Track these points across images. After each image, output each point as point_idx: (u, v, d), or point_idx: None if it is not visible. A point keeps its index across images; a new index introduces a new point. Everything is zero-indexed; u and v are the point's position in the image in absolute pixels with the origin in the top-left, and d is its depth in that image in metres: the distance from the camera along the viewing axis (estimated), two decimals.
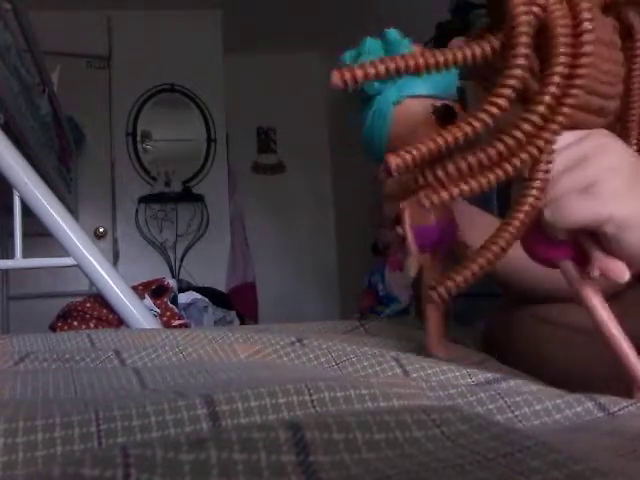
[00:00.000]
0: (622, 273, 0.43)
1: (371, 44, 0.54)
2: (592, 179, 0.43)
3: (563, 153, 0.44)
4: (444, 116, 0.51)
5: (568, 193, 0.43)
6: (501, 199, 1.59)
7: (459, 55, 0.40)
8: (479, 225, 0.64)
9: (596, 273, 0.44)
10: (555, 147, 0.43)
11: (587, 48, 0.40)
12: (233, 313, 2.30)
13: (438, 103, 0.52)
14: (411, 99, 0.53)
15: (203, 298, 2.08)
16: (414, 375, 0.51)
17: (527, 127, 0.40)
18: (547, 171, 0.42)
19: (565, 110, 0.40)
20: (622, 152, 0.45)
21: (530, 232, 0.44)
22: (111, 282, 1.36)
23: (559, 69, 0.40)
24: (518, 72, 0.39)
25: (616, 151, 0.45)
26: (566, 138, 0.44)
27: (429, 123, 0.51)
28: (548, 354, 0.66)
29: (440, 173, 0.40)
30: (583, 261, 0.45)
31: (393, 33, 0.54)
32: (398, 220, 0.57)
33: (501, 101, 0.39)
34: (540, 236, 0.46)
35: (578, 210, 0.43)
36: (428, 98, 0.53)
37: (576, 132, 0.45)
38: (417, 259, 0.56)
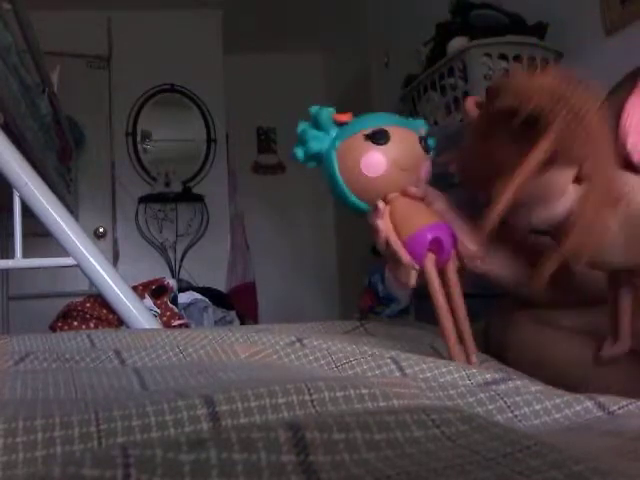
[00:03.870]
0: None
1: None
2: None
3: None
4: (376, 137, 0.63)
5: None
6: None
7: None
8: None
9: None
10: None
11: None
12: (233, 313, 2.30)
13: (367, 131, 0.64)
14: (345, 140, 0.65)
15: (203, 298, 2.08)
16: (413, 376, 0.51)
17: None
18: None
19: None
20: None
21: None
22: (111, 282, 1.35)
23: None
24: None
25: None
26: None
27: (363, 148, 0.63)
28: (547, 355, 0.66)
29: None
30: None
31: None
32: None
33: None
34: None
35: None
36: (355, 135, 0.65)
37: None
38: (413, 268, 0.61)
